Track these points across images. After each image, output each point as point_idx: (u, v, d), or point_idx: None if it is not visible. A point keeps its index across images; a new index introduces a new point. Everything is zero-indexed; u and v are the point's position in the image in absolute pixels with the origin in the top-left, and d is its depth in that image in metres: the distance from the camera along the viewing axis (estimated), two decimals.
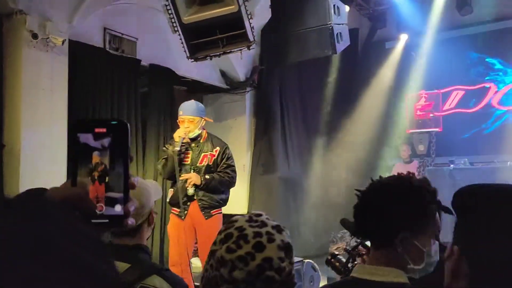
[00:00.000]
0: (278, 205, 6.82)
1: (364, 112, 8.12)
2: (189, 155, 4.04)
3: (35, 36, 4.04)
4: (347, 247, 2.22)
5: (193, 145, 4.03)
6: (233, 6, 4.24)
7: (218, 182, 4.01)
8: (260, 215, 1.18)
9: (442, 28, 7.85)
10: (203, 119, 4.08)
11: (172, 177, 4.07)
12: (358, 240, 2.20)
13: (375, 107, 8.10)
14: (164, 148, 4.20)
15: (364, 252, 2.11)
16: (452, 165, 6.44)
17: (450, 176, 6.25)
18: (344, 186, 7.73)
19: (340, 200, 7.64)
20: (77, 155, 0.68)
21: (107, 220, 0.68)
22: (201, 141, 4.08)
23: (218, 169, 4.07)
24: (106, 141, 0.68)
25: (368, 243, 2.09)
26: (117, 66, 5.14)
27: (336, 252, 2.25)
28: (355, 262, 2.14)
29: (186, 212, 4.01)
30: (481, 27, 7.89)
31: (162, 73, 5.75)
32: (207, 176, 3.97)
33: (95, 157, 0.69)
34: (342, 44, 4.59)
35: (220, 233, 1.16)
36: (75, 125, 0.69)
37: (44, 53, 4.17)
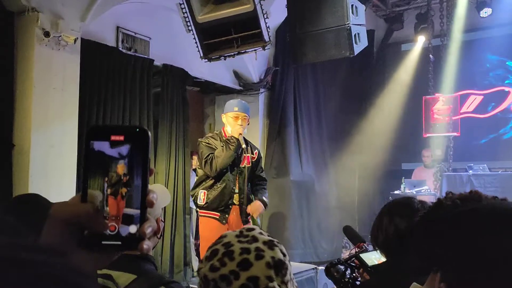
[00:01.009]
0: (290, 208, 6.70)
1: (380, 115, 7.98)
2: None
3: (47, 34, 3.97)
4: (342, 259, 2.12)
5: (244, 146, 3.97)
6: (248, 5, 4.14)
7: (267, 197, 4.07)
8: (252, 229, 1.06)
9: (461, 30, 7.67)
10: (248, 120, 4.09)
11: (218, 176, 3.92)
12: (356, 251, 2.13)
13: (391, 110, 7.95)
14: (203, 142, 3.99)
15: (358, 265, 2.03)
16: (470, 171, 6.27)
17: (468, 182, 6.08)
18: (358, 190, 7.60)
19: (353, 204, 7.52)
20: (89, 165, 0.60)
21: (119, 242, 0.60)
22: (242, 146, 3.98)
23: (256, 178, 4.08)
24: (123, 150, 0.59)
25: (366, 256, 2.03)
26: (129, 66, 5.07)
27: (335, 261, 2.15)
28: (353, 274, 2.05)
29: (227, 216, 3.91)
30: (501, 30, 7.70)
31: (175, 73, 5.67)
32: (264, 198, 4.00)
33: (121, 167, 0.59)
34: (360, 45, 4.45)
35: (208, 249, 1.06)
36: (89, 131, 0.61)
37: (56, 52, 4.10)
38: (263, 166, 4.21)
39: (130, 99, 5.07)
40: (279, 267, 0.99)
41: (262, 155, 6.79)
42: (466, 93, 7.98)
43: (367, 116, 7.97)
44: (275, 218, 6.52)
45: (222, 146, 3.87)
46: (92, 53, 4.65)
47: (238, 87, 6.72)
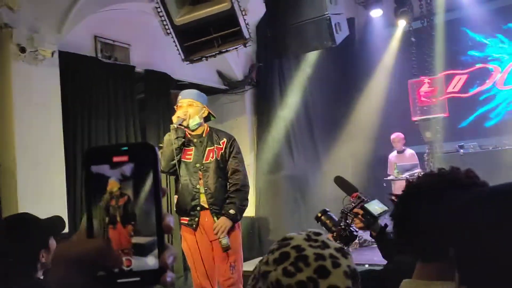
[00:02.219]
0: (285, 203, 6.68)
1: (367, 103, 7.97)
2: (191, 152, 3.44)
3: (23, 49, 3.89)
4: (343, 209, 2.20)
5: (195, 140, 3.46)
6: (225, 4, 4.08)
7: (241, 202, 3.42)
8: (319, 233, 0.99)
9: (441, 10, 7.67)
10: (205, 108, 3.52)
11: (173, 172, 3.46)
12: (354, 201, 2.22)
13: (378, 97, 7.95)
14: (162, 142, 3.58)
15: (360, 213, 2.14)
16: (462, 150, 6.28)
17: (461, 162, 6.09)
18: (352, 179, 7.55)
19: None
20: (91, 193, 0.52)
21: (138, 278, 0.52)
22: (203, 135, 3.50)
23: (231, 176, 3.43)
24: (128, 172, 0.52)
25: (370, 206, 2.14)
26: (111, 75, 5.00)
27: (328, 209, 2.25)
28: (350, 223, 2.15)
29: (197, 219, 3.38)
30: (481, 7, 7.72)
31: (158, 78, 5.61)
32: (231, 211, 3.32)
33: (113, 184, 0.51)
34: (342, 35, 4.43)
35: (272, 251, 0.97)
36: (87, 155, 0.53)
37: (34, 67, 4.02)
38: (238, 156, 3.52)
39: (114, 108, 5.01)
40: (356, 277, 0.93)
41: (252, 152, 6.77)
42: (451, 73, 8.00)
43: (355, 104, 7.96)
44: (271, 213, 6.49)
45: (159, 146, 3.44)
46: (72, 65, 4.58)
47: (223, 87, 6.67)
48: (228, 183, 3.44)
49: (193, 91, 3.63)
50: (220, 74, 6.60)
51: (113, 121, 4.97)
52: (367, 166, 7.67)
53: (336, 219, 2.19)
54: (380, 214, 2.15)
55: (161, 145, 3.48)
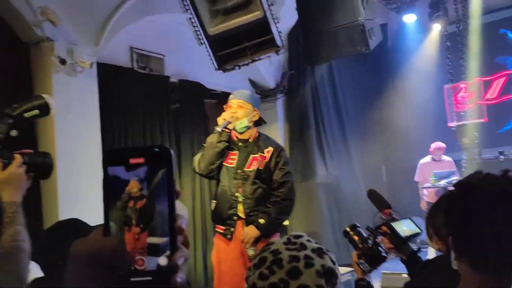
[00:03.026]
0: (320, 212, 6.62)
1: (401, 108, 7.84)
2: (235, 157, 3.20)
3: (63, 61, 4.03)
4: (369, 226, 2.02)
5: (240, 144, 3.22)
6: (258, 12, 4.12)
7: (277, 215, 3.16)
8: (300, 236, 1.04)
9: (477, 13, 7.49)
10: (255, 112, 3.27)
11: (214, 176, 3.23)
12: (384, 218, 2.04)
13: (412, 103, 7.80)
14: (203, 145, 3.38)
15: (388, 232, 1.96)
16: (502, 157, 6.09)
17: (501, 169, 5.88)
18: (387, 186, 7.47)
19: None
20: (109, 193, 0.54)
21: (149, 278, 0.53)
22: (250, 141, 3.25)
23: (272, 186, 3.18)
24: (144, 174, 0.54)
25: (398, 226, 1.95)
26: (146, 85, 5.11)
27: (358, 224, 2.08)
28: (378, 240, 1.98)
29: (233, 229, 3.15)
30: None
31: (191, 88, 5.69)
32: (261, 220, 3.10)
33: (133, 185, 0.53)
34: (375, 40, 4.39)
35: (255, 257, 1.04)
36: (105, 157, 0.55)
37: (73, 78, 4.16)
38: (286, 167, 3.25)
39: (150, 118, 5.11)
40: (329, 275, 0.97)
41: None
42: (489, 79, 7.78)
43: (389, 110, 7.85)
44: (305, 222, 6.45)
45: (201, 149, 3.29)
46: (109, 76, 4.70)
47: (255, 95, 6.70)
48: (271, 196, 3.20)
49: (245, 92, 3.44)
50: (252, 82, 6.64)
51: (149, 130, 5.06)
52: (402, 173, 7.54)
53: (366, 235, 2.02)
54: (409, 237, 1.96)
55: (204, 145, 3.31)
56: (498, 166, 5.96)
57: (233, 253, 3.17)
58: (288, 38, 6.38)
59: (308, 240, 1.03)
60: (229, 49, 4.51)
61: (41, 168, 1.69)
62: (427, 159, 7.06)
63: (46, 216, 3.98)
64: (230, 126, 3.16)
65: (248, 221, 3.15)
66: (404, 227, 1.97)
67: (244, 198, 3.15)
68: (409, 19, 8.25)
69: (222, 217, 3.21)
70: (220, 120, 3.20)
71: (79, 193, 4.14)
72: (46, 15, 3.89)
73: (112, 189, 0.54)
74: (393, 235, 1.92)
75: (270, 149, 3.25)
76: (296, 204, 6.85)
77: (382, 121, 7.76)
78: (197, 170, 3.29)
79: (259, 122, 3.37)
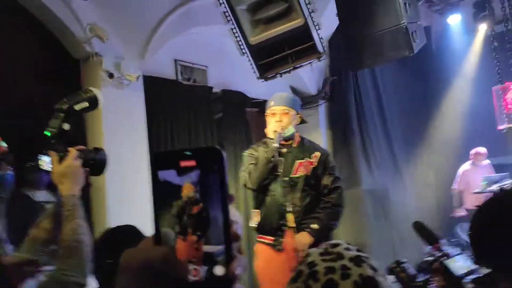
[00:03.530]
0: (367, 220, 6.50)
1: (448, 113, 7.63)
2: (281, 164, 3.09)
3: (111, 75, 4.18)
4: (420, 263, 1.89)
5: (284, 150, 3.11)
6: (299, 20, 4.13)
7: (329, 221, 3.09)
8: (337, 245, 0.98)
9: None
10: (298, 115, 3.21)
11: (262, 188, 3.13)
12: (438, 254, 1.87)
13: (459, 106, 7.58)
14: (246, 153, 3.29)
15: (441, 270, 1.79)
16: None
17: None
18: (436, 194, 7.26)
19: (433, 209, 7.18)
20: (159, 199, 0.52)
21: None
22: (293, 145, 3.17)
23: (321, 192, 3.10)
24: (196, 177, 0.51)
25: (451, 263, 1.79)
26: (190, 96, 5.21)
27: (404, 260, 1.95)
28: (429, 279, 1.84)
29: (281, 240, 3.07)
30: None
31: (234, 97, 5.76)
32: (314, 226, 3.01)
33: (189, 188, 0.50)
34: (419, 43, 4.31)
35: (294, 270, 0.99)
36: (155, 160, 0.53)
37: (121, 91, 4.30)
38: (335, 172, 3.17)
39: (194, 127, 5.20)
40: (369, 284, 0.92)
41: None
42: None
43: (435, 114, 7.65)
44: (352, 231, 6.34)
45: (252, 164, 3.14)
46: (154, 88, 4.83)
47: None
48: (321, 201, 3.12)
49: (287, 96, 3.33)
50: (293, 89, 6.64)
51: (194, 139, 5.15)
52: (450, 179, 7.30)
53: (413, 271, 1.88)
54: (466, 274, 1.81)
55: (252, 162, 3.17)
56: None
57: (284, 262, 3.06)
58: (329, 44, 6.35)
59: (347, 248, 0.97)
60: (271, 58, 4.53)
61: (96, 163, 1.69)
62: (466, 165, 6.90)
63: (95, 225, 4.10)
64: (284, 135, 3.09)
65: (299, 230, 3.08)
66: (459, 263, 1.83)
67: (293, 206, 3.07)
68: (454, 20, 8.03)
69: (272, 227, 3.12)
70: (272, 133, 3.10)
71: (127, 202, 4.26)
72: (95, 32, 4.06)
73: (163, 195, 0.52)
74: (447, 273, 1.80)
75: (317, 154, 3.18)
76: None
77: (429, 127, 7.57)
78: (249, 186, 3.18)
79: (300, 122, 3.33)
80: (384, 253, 6.43)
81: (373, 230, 6.48)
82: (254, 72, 4.67)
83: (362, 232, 6.39)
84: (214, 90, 5.57)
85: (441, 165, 7.44)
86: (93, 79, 4.22)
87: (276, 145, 3.01)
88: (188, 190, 0.51)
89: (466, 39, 8.13)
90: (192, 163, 0.51)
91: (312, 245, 2.99)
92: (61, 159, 1.59)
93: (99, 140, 4.15)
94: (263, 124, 7.62)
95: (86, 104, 1.69)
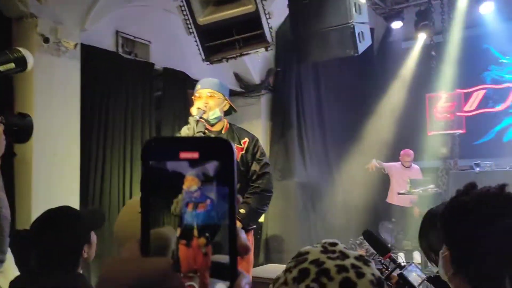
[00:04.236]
0: (296, 211, 6.62)
1: (382, 115, 7.91)
2: None
3: (46, 40, 3.91)
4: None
5: (207, 132, 3.08)
6: (250, 6, 4.07)
7: (257, 206, 3.08)
8: (335, 243, 0.95)
9: (462, 26, 7.61)
10: (226, 101, 3.20)
11: None
12: (392, 266, 1.91)
13: (394, 109, 7.88)
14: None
15: (395, 280, 1.83)
16: (477, 168, 6.20)
17: (477, 180, 5.97)
18: (362, 190, 7.52)
19: (358, 204, 7.44)
20: (150, 197, 0.42)
21: None
22: (222, 132, 3.17)
23: (250, 178, 3.10)
24: (199, 173, 0.42)
25: (410, 275, 1.82)
26: (130, 70, 5.01)
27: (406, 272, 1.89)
28: None
29: None
30: (502, 25, 7.64)
31: (175, 77, 5.61)
32: (241, 211, 2.98)
33: (192, 182, 0.41)
34: (364, 44, 4.40)
35: (289, 269, 0.92)
36: (147, 147, 0.43)
37: (56, 58, 4.03)
38: (264, 158, 3.17)
39: (132, 103, 5.01)
40: (381, 285, 0.90)
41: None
42: (470, 90, 7.92)
43: (370, 115, 7.90)
44: (281, 220, 6.44)
45: None
46: (92, 59, 4.58)
47: (239, 89, 6.65)
48: (249, 188, 3.13)
49: (215, 81, 3.25)
50: (237, 76, 6.58)
51: (130, 115, 4.97)
52: (378, 178, 7.60)
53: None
54: (420, 284, 1.86)
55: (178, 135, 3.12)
56: (473, 177, 6.07)
57: None
58: (277, 35, 6.34)
59: (345, 247, 0.95)
60: (218, 41, 4.45)
61: (20, 129, 1.55)
62: (397, 164, 7.19)
63: (18, 199, 3.85)
64: (204, 116, 3.05)
65: None
66: (415, 274, 1.86)
67: None
68: (396, 25, 8.31)
69: None
70: (195, 110, 3.07)
71: (55, 177, 4.04)
72: None
73: (157, 192, 0.42)
74: (405, 284, 1.82)
75: (246, 139, 3.18)
76: (274, 202, 6.88)
77: (363, 126, 7.80)
78: None
79: (229, 111, 3.30)
80: (309, 241, 6.60)
81: (301, 221, 6.62)
82: (200, 53, 4.56)
83: (290, 222, 6.51)
84: (156, 67, 5.39)
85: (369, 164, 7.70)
86: (26, 42, 3.91)
87: (196, 117, 2.98)
88: (191, 183, 0.42)
89: (406, 45, 8.45)
90: (194, 155, 0.42)
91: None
92: None
93: (29, 107, 3.88)
94: None
95: (12, 65, 1.55)
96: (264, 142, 6.72)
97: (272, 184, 3.24)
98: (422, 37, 8.01)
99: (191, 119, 3.08)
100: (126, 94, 4.96)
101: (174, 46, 5.56)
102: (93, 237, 1.80)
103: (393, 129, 7.75)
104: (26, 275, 1.60)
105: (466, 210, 1.13)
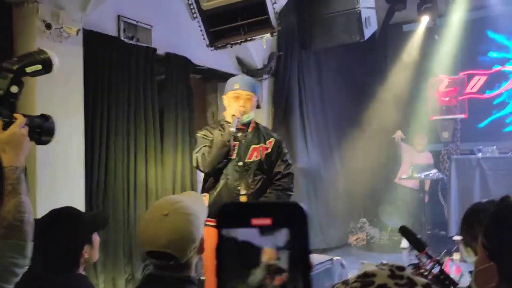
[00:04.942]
0: (299, 196, 6.61)
1: (384, 99, 7.85)
2: (235, 148, 3.11)
3: (48, 26, 3.83)
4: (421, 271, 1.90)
5: (239, 134, 3.13)
6: None
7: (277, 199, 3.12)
8: (403, 268, 0.94)
9: (466, 9, 7.52)
10: (257, 102, 3.23)
11: (215, 173, 3.15)
12: (430, 262, 1.90)
13: (396, 94, 7.81)
14: (200, 134, 3.26)
15: (440, 277, 1.82)
16: (479, 154, 6.19)
17: (477, 166, 6.01)
18: (364, 175, 7.53)
19: (359, 189, 7.46)
20: (224, 265, 0.41)
21: None
22: (249, 130, 3.21)
23: (273, 177, 3.15)
24: (273, 241, 0.41)
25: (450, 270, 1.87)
26: (132, 55, 4.93)
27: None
28: None
29: None
30: (505, 8, 7.56)
31: (178, 62, 5.53)
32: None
33: (270, 254, 0.40)
34: (370, 29, 4.36)
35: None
36: (221, 214, 0.43)
37: (58, 44, 3.95)
38: (288, 159, 3.28)
39: (134, 89, 4.95)
40: None
41: None
42: (470, 73, 7.87)
43: (372, 100, 7.84)
44: None
45: (206, 146, 3.16)
46: (94, 44, 4.50)
47: (241, 74, 6.58)
48: (272, 184, 3.18)
49: (252, 82, 3.28)
50: (239, 60, 6.50)
51: (133, 101, 4.91)
52: (380, 164, 7.60)
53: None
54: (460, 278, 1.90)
55: (206, 144, 3.16)
56: (475, 162, 6.08)
57: None
58: (279, 19, 6.25)
59: (412, 273, 0.93)
60: (222, 26, 4.39)
61: (42, 131, 1.55)
62: (410, 148, 7.18)
63: None
64: (241, 121, 3.11)
65: None
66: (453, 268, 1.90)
67: (247, 189, 3.12)
68: (399, 8, 8.19)
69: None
70: (230, 117, 3.10)
71: (58, 163, 4.01)
72: None
73: (230, 260, 0.42)
74: (445, 280, 1.82)
75: (272, 140, 3.25)
76: None
77: (365, 111, 7.75)
78: (201, 168, 3.19)
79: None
80: (312, 226, 6.60)
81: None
82: (204, 39, 4.50)
83: None
84: (158, 52, 5.31)
85: (371, 149, 7.69)
86: (27, 28, 3.84)
87: (233, 129, 3.02)
88: (269, 256, 0.41)
89: (408, 28, 8.34)
90: (267, 221, 0.41)
91: None
92: (5, 126, 1.42)
93: (31, 95, 3.83)
94: (204, 92, 7.49)
95: (39, 67, 1.54)
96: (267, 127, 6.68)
97: (293, 184, 3.32)
98: (425, 20, 7.90)
99: (227, 130, 3.10)
100: (129, 79, 4.89)
101: (176, 31, 5.48)
102: (95, 238, 1.81)
103: (395, 114, 7.72)
104: (26, 275, 1.59)
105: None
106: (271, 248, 0.41)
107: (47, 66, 1.56)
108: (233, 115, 3.08)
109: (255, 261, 0.40)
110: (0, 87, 1.44)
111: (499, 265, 1.12)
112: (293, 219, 0.42)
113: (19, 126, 1.44)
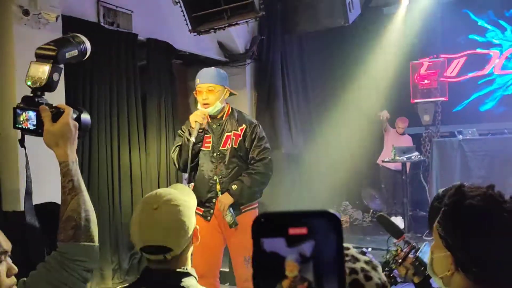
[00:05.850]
0: (283, 181, 6.64)
1: (365, 83, 7.87)
2: (210, 140, 3.24)
3: (26, 12, 3.71)
4: (395, 258, 1.91)
5: (214, 126, 3.25)
6: None
7: (251, 186, 3.19)
8: (347, 248, 1.03)
9: None
10: (226, 89, 3.24)
11: (191, 169, 3.26)
12: (406, 248, 1.94)
13: (377, 77, 7.85)
14: (180, 131, 3.39)
15: (410, 261, 1.85)
16: (460, 136, 6.30)
17: (459, 148, 6.12)
18: (347, 159, 7.60)
19: (342, 173, 7.53)
20: (262, 276, 0.41)
21: None
22: (223, 118, 3.27)
23: (249, 163, 3.22)
24: (308, 250, 0.40)
25: (424, 256, 1.83)
26: (113, 41, 4.83)
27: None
28: (393, 268, 1.88)
29: (212, 211, 3.22)
30: None
31: (159, 47, 5.45)
32: (233, 187, 3.15)
33: (292, 267, 0.40)
34: (354, 13, 4.35)
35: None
36: (257, 223, 0.42)
37: (37, 31, 3.84)
38: (263, 144, 3.30)
39: (116, 75, 4.87)
40: None
41: None
42: (452, 57, 7.96)
43: (352, 83, 7.85)
44: (268, 192, 6.45)
45: (178, 145, 3.29)
46: (73, 30, 4.36)
47: (223, 59, 6.52)
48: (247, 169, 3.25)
49: (212, 73, 3.27)
50: (221, 45, 6.44)
51: (115, 87, 4.83)
52: (361, 146, 7.67)
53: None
54: None
55: (178, 144, 3.29)
56: (456, 145, 6.18)
57: (212, 229, 3.25)
58: (262, 3, 6.19)
59: (357, 252, 1.03)
60: (205, 11, 4.33)
61: (80, 124, 1.43)
62: (392, 131, 7.26)
63: (4, 178, 3.75)
64: (203, 126, 3.16)
65: (223, 193, 3.24)
66: (426, 256, 1.92)
67: (220, 177, 3.21)
68: None
69: (201, 200, 3.23)
70: (192, 122, 3.16)
71: (41, 152, 3.92)
72: None
73: (268, 270, 0.41)
74: (419, 265, 1.83)
75: (244, 126, 3.27)
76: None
77: (347, 96, 7.76)
78: (179, 169, 3.38)
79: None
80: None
81: (288, 193, 6.65)
82: (186, 24, 4.44)
83: (278, 192, 6.53)
84: (139, 37, 5.21)
85: (353, 132, 7.74)
86: (4, 15, 3.72)
87: (192, 139, 3.11)
88: (291, 268, 0.41)
89: (388, 10, 8.33)
90: (303, 230, 0.41)
91: (232, 205, 3.17)
92: (54, 117, 1.33)
93: (11, 83, 3.73)
94: (187, 77, 7.38)
95: (75, 52, 1.44)
96: (250, 113, 6.65)
97: (270, 168, 3.36)
98: (404, 3, 7.91)
99: (189, 135, 3.18)
100: (110, 65, 4.80)
101: (157, 16, 5.38)
102: None
103: (377, 97, 7.77)
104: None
105: (475, 216, 1.12)
106: (293, 262, 0.41)
107: (83, 52, 1.48)
108: (196, 121, 3.13)
109: (281, 273, 0.41)
110: (41, 75, 1.34)
111: (455, 256, 1.13)
112: (328, 229, 0.42)
113: (70, 116, 1.35)
